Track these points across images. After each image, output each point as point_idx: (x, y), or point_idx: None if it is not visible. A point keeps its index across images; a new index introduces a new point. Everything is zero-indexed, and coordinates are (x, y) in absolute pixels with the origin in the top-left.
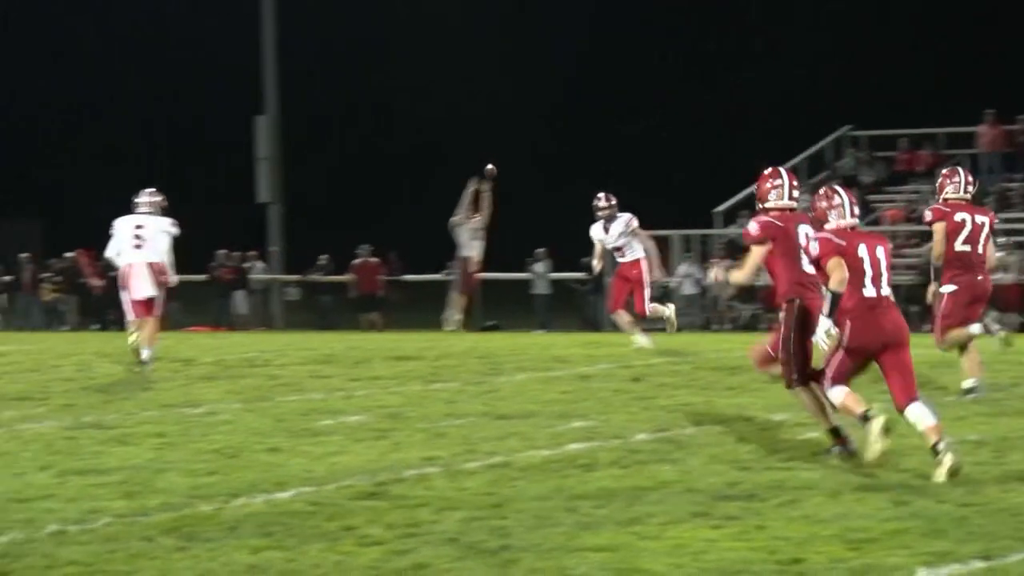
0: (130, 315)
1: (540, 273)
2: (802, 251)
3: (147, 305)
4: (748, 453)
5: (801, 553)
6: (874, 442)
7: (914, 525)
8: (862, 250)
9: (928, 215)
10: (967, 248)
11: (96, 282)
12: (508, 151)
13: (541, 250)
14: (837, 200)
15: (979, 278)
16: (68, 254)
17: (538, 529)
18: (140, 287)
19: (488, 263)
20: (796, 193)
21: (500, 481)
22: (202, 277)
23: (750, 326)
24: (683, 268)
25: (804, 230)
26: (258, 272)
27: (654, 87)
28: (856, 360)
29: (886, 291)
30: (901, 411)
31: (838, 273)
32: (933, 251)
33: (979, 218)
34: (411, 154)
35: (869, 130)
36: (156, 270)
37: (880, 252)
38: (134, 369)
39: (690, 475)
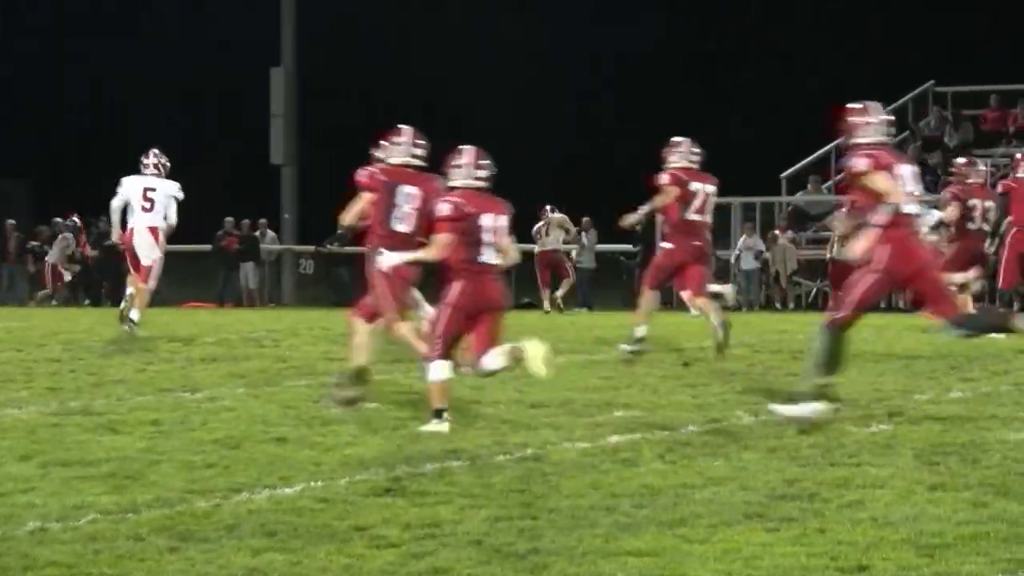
0: (139, 280)
1: (585, 246)
2: None
3: (144, 271)
4: (809, 447)
5: (866, 559)
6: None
7: (994, 529)
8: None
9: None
10: None
11: (86, 252)
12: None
13: (587, 219)
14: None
15: None
16: (59, 219)
17: (572, 531)
18: (142, 252)
19: (522, 231)
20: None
21: (531, 476)
22: (206, 247)
23: (815, 304)
24: (743, 240)
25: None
26: (268, 242)
27: (715, 40)
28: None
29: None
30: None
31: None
32: None
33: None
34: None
35: (955, 86)
36: (156, 236)
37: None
38: (123, 328)
39: (744, 471)
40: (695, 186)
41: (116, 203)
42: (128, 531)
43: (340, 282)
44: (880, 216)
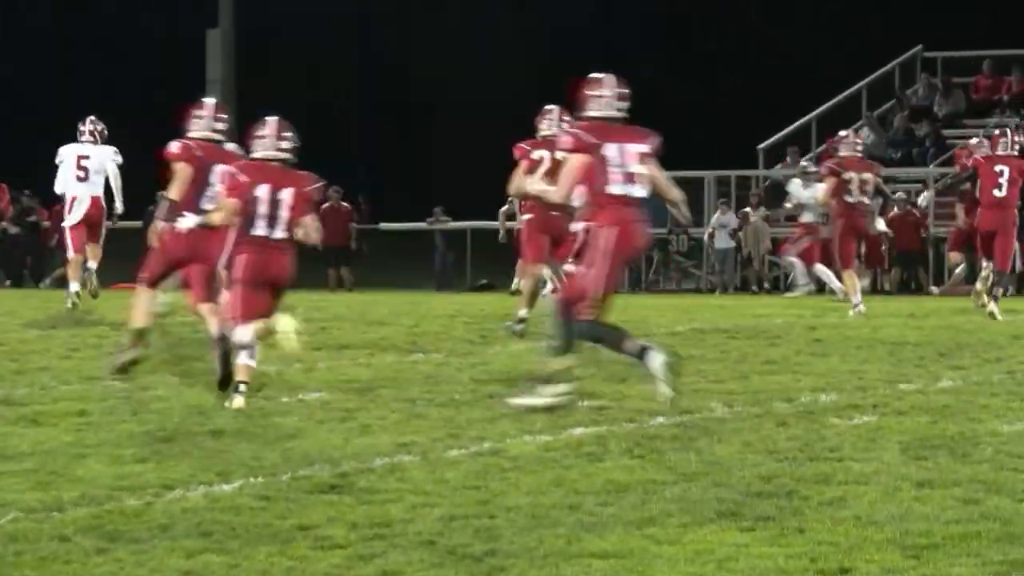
0: (71, 251)
1: None
2: None
3: (91, 232)
4: (788, 441)
5: (848, 561)
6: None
7: (985, 528)
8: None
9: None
10: None
11: (10, 228)
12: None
13: None
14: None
15: None
16: None
17: (532, 531)
18: (80, 216)
19: (477, 207)
20: None
21: (488, 472)
22: (138, 224)
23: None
24: (716, 217)
25: None
26: None
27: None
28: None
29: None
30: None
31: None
32: None
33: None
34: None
35: (945, 51)
36: (99, 207)
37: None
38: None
39: (717, 467)
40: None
41: (59, 187)
42: (52, 531)
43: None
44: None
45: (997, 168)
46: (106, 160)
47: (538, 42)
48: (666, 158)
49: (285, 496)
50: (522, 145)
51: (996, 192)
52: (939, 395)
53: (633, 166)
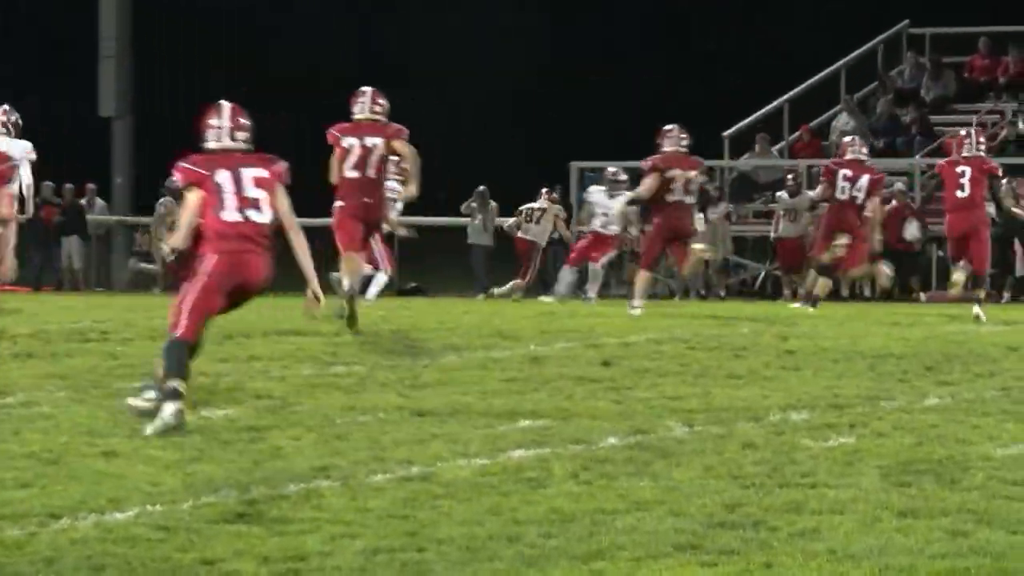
0: None
1: (479, 221)
2: None
3: None
4: (754, 465)
5: None
6: None
7: (975, 564)
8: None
9: None
10: None
11: None
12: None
13: (482, 188)
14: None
15: None
16: None
17: (466, 565)
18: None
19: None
20: None
21: (417, 500)
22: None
23: (765, 291)
24: None
25: None
26: (97, 212)
27: None
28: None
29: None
30: None
31: None
32: None
33: None
34: (305, 60)
35: (934, 27)
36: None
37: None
38: None
39: (675, 493)
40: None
41: None
42: None
43: (184, 263)
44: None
45: (958, 170)
46: (23, 155)
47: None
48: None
49: (186, 526)
50: (333, 131)
51: (959, 193)
52: (925, 414)
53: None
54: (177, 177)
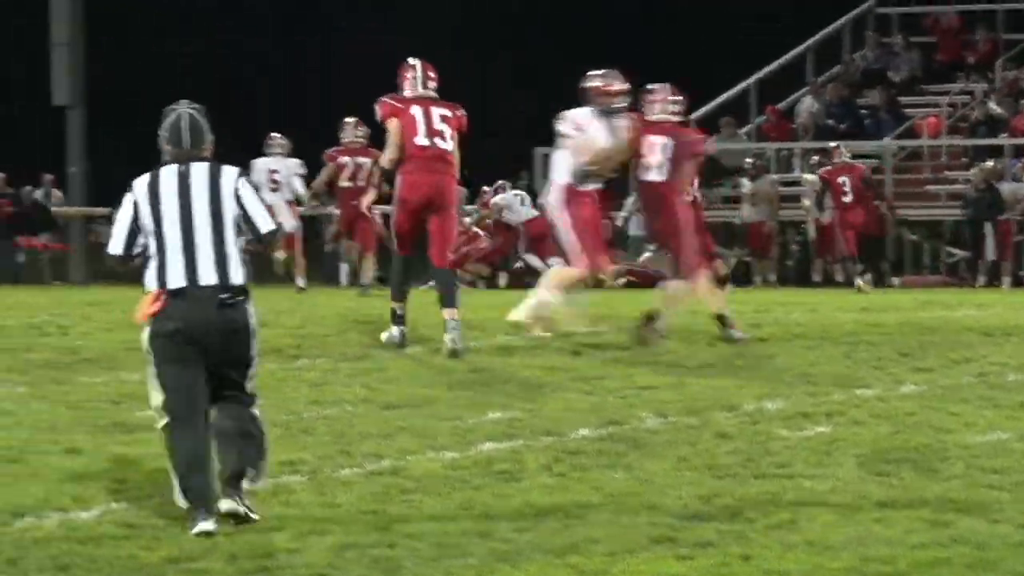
0: None
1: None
2: None
3: None
4: (730, 455)
5: None
6: None
7: (956, 554)
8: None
9: None
10: None
11: None
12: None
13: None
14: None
15: None
16: None
17: (438, 561)
18: None
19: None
20: None
21: (387, 495)
22: None
23: (736, 278)
24: (631, 200)
25: None
26: (53, 204)
27: None
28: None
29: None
30: None
31: None
32: None
33: None
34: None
35: (901, 6)
36: None
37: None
38: None
39: (649, 486)
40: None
41: None
42: None
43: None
44: None
45: (839, 180)
46: None
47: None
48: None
49: (152, 524)
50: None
51: (845, 199)
52: (901, 401)
53: None
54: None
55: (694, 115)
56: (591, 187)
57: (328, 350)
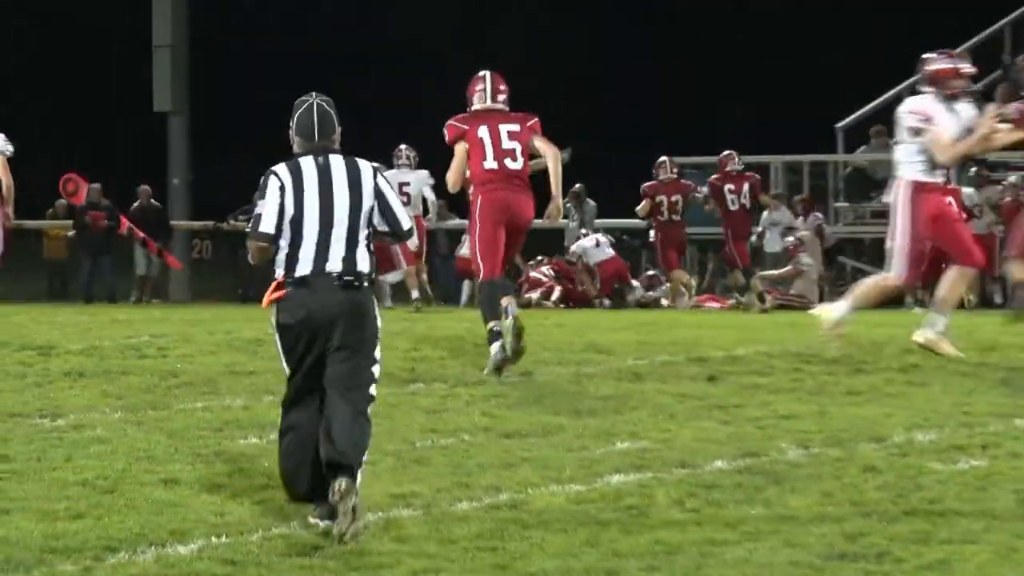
0: None
1: (576, 223)
2: None
3: None
4: (878, 490)
5: None
6: None
7: None
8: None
9: None
10: None
11: None
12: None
13: (578, 187)
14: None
15: None
16: None
17: None
18: None
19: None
20: None
21: (506, 530)
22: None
23: (892, 298)
24: (767, 215)
25: None
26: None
27: None
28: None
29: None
30: None
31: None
32: None
33: None
34: (367, 49)
35: None
36: None
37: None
38: None
39: (791, 523)
40: None
41: None
42: None
43: (250, 270)
44: None
45: (726, 187)
46: None
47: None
48: (725, 139)
49: (255, 560)
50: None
51: (732, 207)
52: None
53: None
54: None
55: (842, 124)
56: (939, 179)
57: (444, 374)
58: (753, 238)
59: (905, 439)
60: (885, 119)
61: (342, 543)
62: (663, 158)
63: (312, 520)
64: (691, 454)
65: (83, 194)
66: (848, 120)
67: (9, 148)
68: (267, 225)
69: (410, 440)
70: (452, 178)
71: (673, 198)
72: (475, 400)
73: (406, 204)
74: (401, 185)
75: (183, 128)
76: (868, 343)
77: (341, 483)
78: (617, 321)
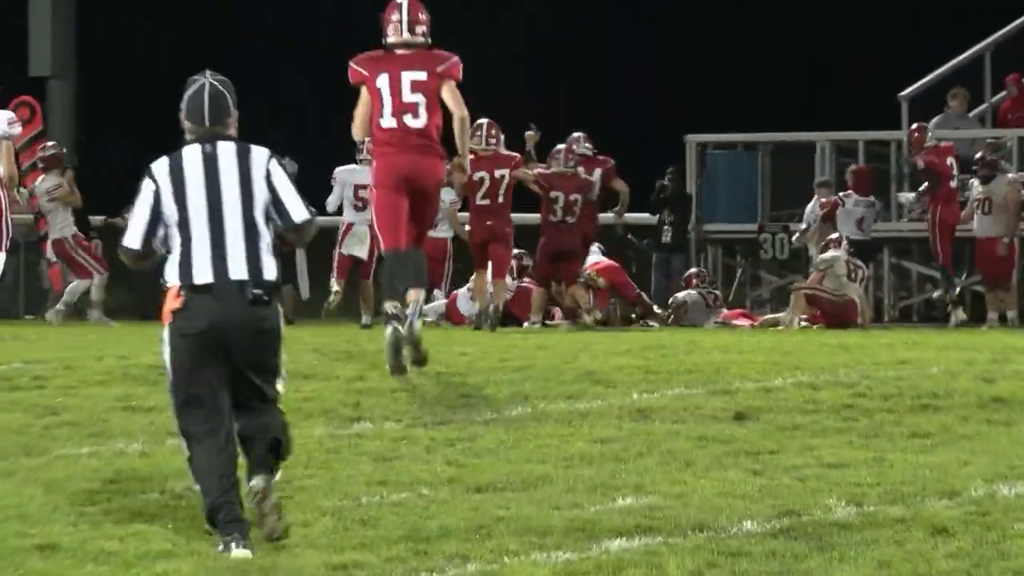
0: None
1: None
2: None
3: None
4: (951, 559)
5: None
6: None
7: None
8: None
9: None
10: None
11: None
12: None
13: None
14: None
15: None
16: None
17: None
18: None
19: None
20: None
21: None
22: None
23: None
24: (812, 205)
25: None
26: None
27: None
28: None
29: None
30: None
31: None
32: None
33: None
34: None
35: None
36: None
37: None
38: None
39: None
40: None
41: None
42: None
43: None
44: None
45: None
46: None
47: None
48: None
49: None
50: None
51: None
52: None
53: None
54: None
55: (906, 91)
56: None
57: (398, 411)
58: (793, 239)
59: (985, 493)
60: (964, 82)
61: (272, 541)
62: (576, 134)
63: (221, 550)
64: (712, 513)
65: None
66: (913, 87)
67: (16, 128)
68: (132, 239)
69: (354, 495)
70: (355, 128)
71: (571, 197)
72: (436, 444)
73: (362, 209)
74: (357, 188)
75: (66, 96)
76: (938, 371)
77: (258, 483)
78: (617, 343)
